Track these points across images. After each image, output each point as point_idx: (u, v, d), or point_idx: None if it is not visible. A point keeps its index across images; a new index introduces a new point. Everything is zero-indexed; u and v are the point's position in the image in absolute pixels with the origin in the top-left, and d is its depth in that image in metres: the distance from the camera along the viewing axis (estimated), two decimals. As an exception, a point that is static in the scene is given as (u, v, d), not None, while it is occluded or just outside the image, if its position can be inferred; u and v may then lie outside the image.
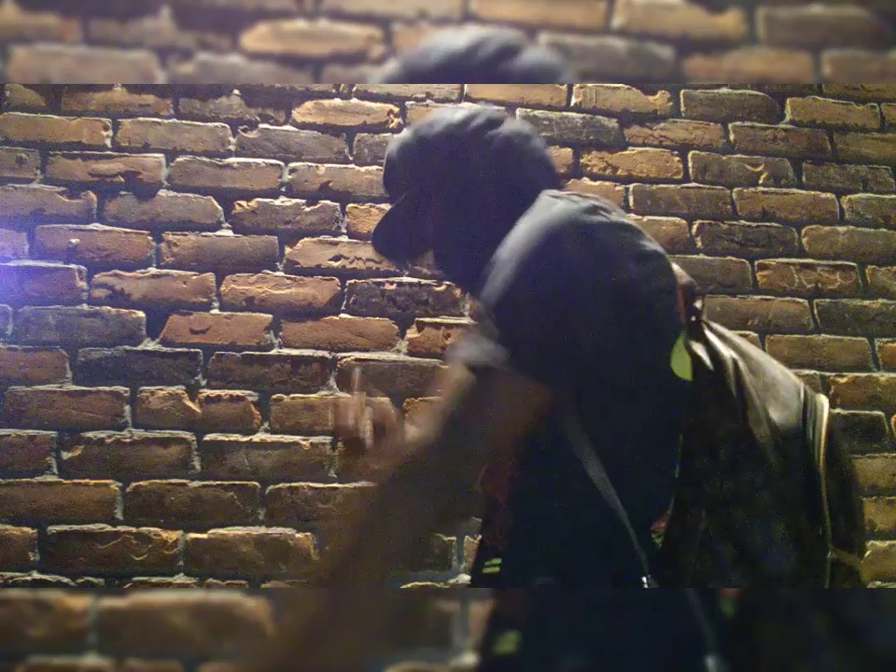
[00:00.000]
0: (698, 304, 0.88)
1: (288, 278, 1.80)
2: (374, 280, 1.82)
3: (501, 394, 0.78)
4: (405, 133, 1.04)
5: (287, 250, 1.82)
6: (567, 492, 0.81)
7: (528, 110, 1.97)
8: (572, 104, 1.99)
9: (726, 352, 0.85)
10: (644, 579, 0.76)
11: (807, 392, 0.86)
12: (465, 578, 1.66)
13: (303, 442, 1.70)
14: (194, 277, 1.78)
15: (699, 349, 0.84)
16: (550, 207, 0.84)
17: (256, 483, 1.67)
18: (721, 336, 0.89)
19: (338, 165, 1.88)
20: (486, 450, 0.78)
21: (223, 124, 1.88)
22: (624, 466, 0.80)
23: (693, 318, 0.87)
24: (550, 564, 0.82)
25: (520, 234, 0.82)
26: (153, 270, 1.78)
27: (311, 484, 1.68)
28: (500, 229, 0.89)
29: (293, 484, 1.68)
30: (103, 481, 1.64)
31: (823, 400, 0.86)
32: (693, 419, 0.81)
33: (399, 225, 1.05)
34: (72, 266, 1.76)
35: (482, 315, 0.82)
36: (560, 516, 0.82)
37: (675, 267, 0.88)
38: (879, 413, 1.86)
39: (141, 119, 1.86)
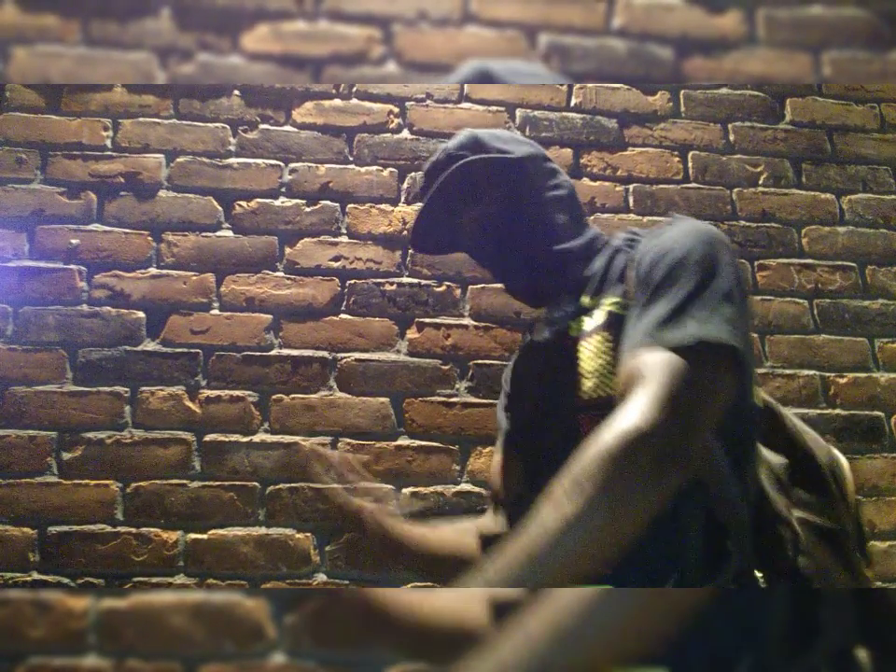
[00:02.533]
0: None
1: (288, 278, 1.80)
2: (374, 280, 1.82)
3: (723, 376, 0.77)
4: (479, 135, 1.06)
5: (287, 250, 1.82)
6: (703, 488, 0.81)
7: (528, 110, 1.97)
8: (572, 104, 2.00)
9: (760, 392, 0.96)
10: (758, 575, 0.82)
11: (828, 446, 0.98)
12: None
13: (303, 443, 1.70)
14: (194, 278, 1.78)
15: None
16: (697, 221, 0.91)
17: (256, 484, 1.67)
18: None
19: (338, 165, 1.88)
20: (706, 434, 0.76)
21: (223, 125, 1.88)
22: (731, 465, 0.84)
23: None
24: (678, 570, 0.79)
25: (686, 237, 0.87)
26: (153, 270, 1.78)
27: (311, 485, 1.68)
28: (559, 239, 1.00)
29: (293, 485, 1.68)
30: (103, 481, 1.64)
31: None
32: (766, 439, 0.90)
33: (442, 219, 1.06)
34: (72, 266, 1.76)
35: (672, 303, 0.81)
36: (689, 515, 0.81)
37: None
38: (879, 413, 1.86)
39: (141, 119, 1.86)
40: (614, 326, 0.88)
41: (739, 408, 0.85)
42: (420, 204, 1.08)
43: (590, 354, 0.90)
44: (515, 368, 1.14)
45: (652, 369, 0.76)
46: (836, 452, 0.96)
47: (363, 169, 1.89)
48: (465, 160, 1.01)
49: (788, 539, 0.84)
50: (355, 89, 1.93)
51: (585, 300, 0.95)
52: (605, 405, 0.83)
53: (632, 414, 0.73)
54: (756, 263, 1.94)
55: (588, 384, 0.88)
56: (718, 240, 0.87)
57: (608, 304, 0.91)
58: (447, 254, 1.17)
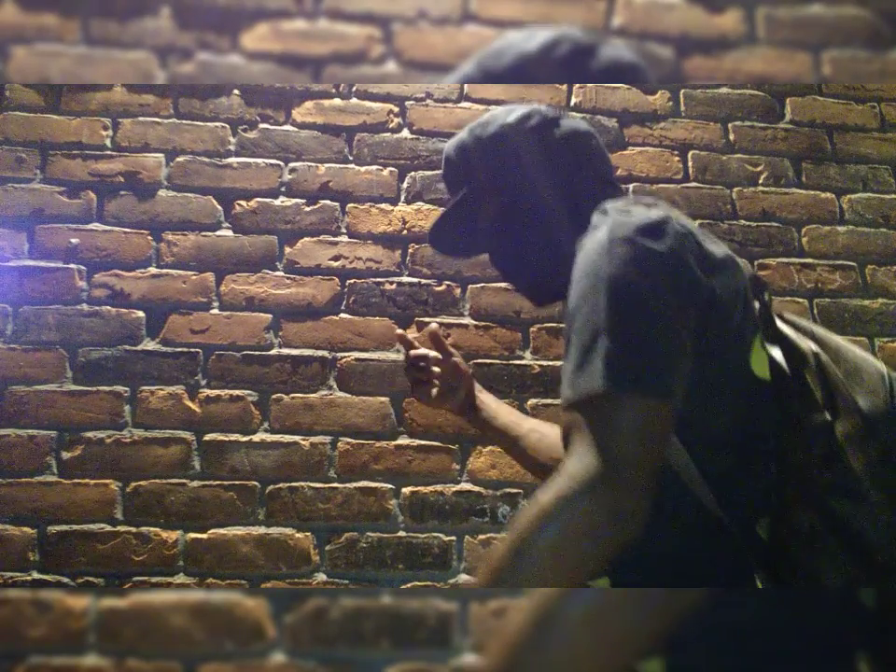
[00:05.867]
0: (766, 296, 0.87)
1: (288, 278, 1.80)
2: (374, 280, 1.82)
3: (646, 417, 0.73)
4: (462, 132, 1.05)
5: (287, 250, 1.82)
6: (668, 501, 0.77)
7: (528, 110, 1.97)
8: (572, 104, 1.99)
9: (804, 343, 0.85)
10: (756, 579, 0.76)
11: (891, 375, 0.84)
12: (465, 577, 1.66)
13: (303, 442, 1.70)
14: (194, 277, 1.78)
15: (774, 346, 0.84)
16: (618, 222, 0.82)
17: (256, 483, 1.67)
18: (794, 326, 0.88)
19: (338, 165, 1.88)
20: (649, 478, 0.72)
21: (223, 124, 1.88)
22: (720, 470, 0.80)
23: (765, 312, 0.86)
24: (658, 576, 0.78)
25: (595, 254, 0.80)
26: (153, 270, 1.78)
27: (311, 484, 1.68)
28: (556, 230, 0.93)
29: (293, 484, 1.68)
30: (103, 481, 1.64)
31: None
32: (782, 416, 0.81)
33: (457, 223, 1.05)
34: (72, 266, 1.76)
35: (580, 345, 0.76)
36: (664, 526, 0.78)
37: (741, 262, 0.88)
38: (879, 412, 1.86)
39: (141, 119, 1.86)
40: None
41: (731, 391, 0.80)
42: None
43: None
44: None
45: (572, 433, 0.74)
46: None
47: (363, 168, 1.89)
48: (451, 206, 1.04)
49: (803, 531, 0.77)
50: (355, 88, 1.93)
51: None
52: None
53: (559, 480, 0.72)
54: (756, 263, 1.94)
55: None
56: (643, 263, 0.78)
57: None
58: (468, 256, 1.16)
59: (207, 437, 1.69)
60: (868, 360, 0.85)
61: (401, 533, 1.67)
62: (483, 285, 1.84)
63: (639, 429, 0.72)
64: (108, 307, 1.74)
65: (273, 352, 1.75)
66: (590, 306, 0.77)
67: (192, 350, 1.74)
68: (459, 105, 1.96)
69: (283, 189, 1.85)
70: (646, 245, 0.79)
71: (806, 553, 0.76)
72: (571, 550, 0.70)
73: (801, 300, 1.93)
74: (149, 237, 1.79)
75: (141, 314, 1.75)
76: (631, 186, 1.95)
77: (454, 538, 1.68)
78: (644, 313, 0.76)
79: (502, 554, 0.71)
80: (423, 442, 1.73)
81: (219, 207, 1.83)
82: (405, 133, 1.92)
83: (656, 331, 0.76)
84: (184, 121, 1.87)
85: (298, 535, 1.65)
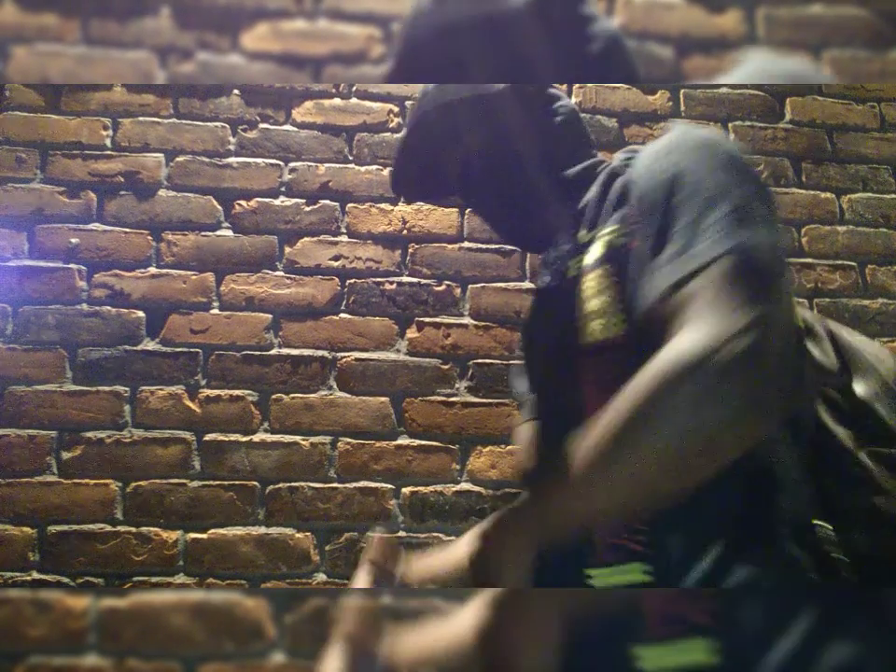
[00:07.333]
0: None
1: (288, 278, 1.80)
2: (374, 280, 1.82)
3: (774, 277, 0.68)
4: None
5: (287, 250, 1.82)
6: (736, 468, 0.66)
7: (528, 110, 1.97)
8: (572, 104, 1.99)
9: (807, 314, 0.84)
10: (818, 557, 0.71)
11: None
12: (465, 578, 1.66)
13: (303, 442, 1.71)
14: (194, 277, 1.78)
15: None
16: (697, 132, 0.82)
17: (256, 483, 1.67)
18: None
19: (338, 165, 1.88)
20: (789, 344, 0.66)
21: (223, 124, 1.88)
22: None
23: None
24: (716, 558, 0.69)
25: (672, 148, 0.78)
26: (153, 270, 1.78)
27: (311, 484, 1.68)
28: (554, 174, 0.91)
29: (293, 484, 1.68)
30: (103, 481, 1.64)
31: None
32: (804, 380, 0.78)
33: (433, 156, 0.99)
34: (72, 266, 1.76)
35: (686, 224, 0.72)
36: (722, 496, 0.68)
37: None
38: (879, 412, 1.86)
39: (141, 118, 1.86)
40: (614, 258, 0.78)
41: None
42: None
43: (591, 293, 0.80)
44: (524, 325, 1.05)
45: (696, 295, 0.67)
46: None
47: (363, 168, 1.89)
48: (431, 105, 0.96)
49: (858, 478, 0.74)
50: (355, 88, 1.93)
51: (582, 234, 0.85)
52: (611, 348, 0.76)
53: (692, 332, 0.64)
54: (756, 263, 1.94)
55: (591, 326, 0.79)
56: (722, 149, 0.77)
57: (605, 235, 0.81)
58: (437, 199, 1.10)
59: (207, 437, 1.69)
60: (871, 343, 0.87)
61: (401, 533, 1.67)
62: (483, 285, 1.84)
63: (770, 290, 0.67)
64: (108, 307, 1.74)
65: (273, 352, 1.75)
66: (688, 187, 0.74)
67: (192, 350, 1.74)
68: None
69: (283, 188, 1.85)
70: (729, 148, 0.78)
71: (863, 497, 0.73)
72: (685, 441, 0.61)
73: (801, 300, 1.93)
74: (149, 237, 1.79)
75: (141, 314, 1.75)
76: (631, 186, 1.95)
77: (454, 538, 1.68)
78: (748, 184, 0.74)
79: (596, 445, 0.64)
80: (423, 442, 1.73)
81: (219, 207, 1.83)
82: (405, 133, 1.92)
83: (763, 200, 0.74)
84: (184, 121, 1.87)
85: (298, 535, 1.65)
